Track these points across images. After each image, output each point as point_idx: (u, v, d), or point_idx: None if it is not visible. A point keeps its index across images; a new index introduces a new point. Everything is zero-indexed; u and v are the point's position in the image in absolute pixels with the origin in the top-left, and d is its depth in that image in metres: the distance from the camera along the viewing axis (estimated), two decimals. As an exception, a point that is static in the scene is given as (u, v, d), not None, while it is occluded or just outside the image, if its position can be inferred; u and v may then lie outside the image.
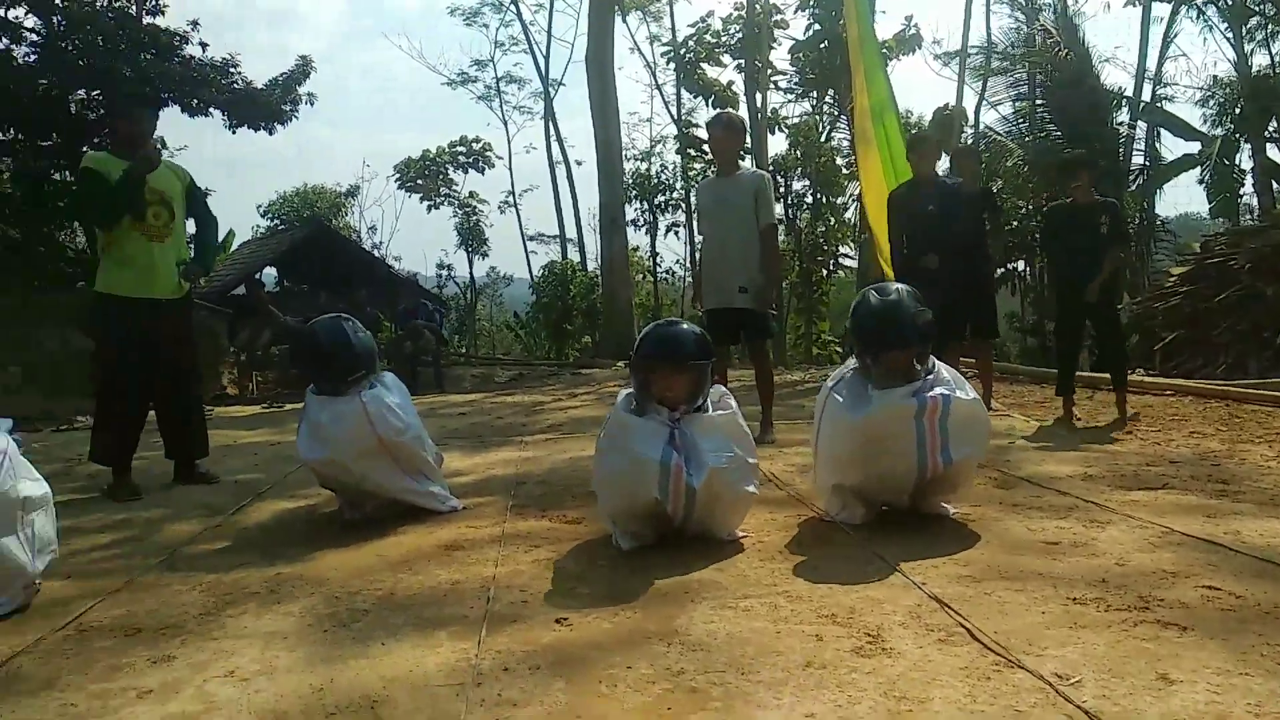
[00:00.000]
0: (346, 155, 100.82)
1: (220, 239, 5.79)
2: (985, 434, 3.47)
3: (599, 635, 2.42)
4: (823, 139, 22.44)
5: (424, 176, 31.02)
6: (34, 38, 10.97)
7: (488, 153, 31.21)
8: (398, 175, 30.90)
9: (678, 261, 29.61)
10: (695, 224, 5.75)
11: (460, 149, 30.94)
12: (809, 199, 24.00)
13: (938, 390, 3.23)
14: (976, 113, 20.67)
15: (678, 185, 26.74)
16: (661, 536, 3.19)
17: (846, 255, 24.21)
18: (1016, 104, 18.43)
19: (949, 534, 3.29)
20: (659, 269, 28.94)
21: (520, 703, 2.01)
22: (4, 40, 11.18)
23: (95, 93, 11.01)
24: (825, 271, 24.06)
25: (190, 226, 5.20)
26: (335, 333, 3.84)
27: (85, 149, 11.12)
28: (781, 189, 23.57)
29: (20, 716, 2.08)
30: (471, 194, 31.81)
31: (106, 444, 4.73)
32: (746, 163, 5.48)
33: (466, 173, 31.31)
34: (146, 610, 2.82)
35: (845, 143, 21.72)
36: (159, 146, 4.76)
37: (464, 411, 8.19)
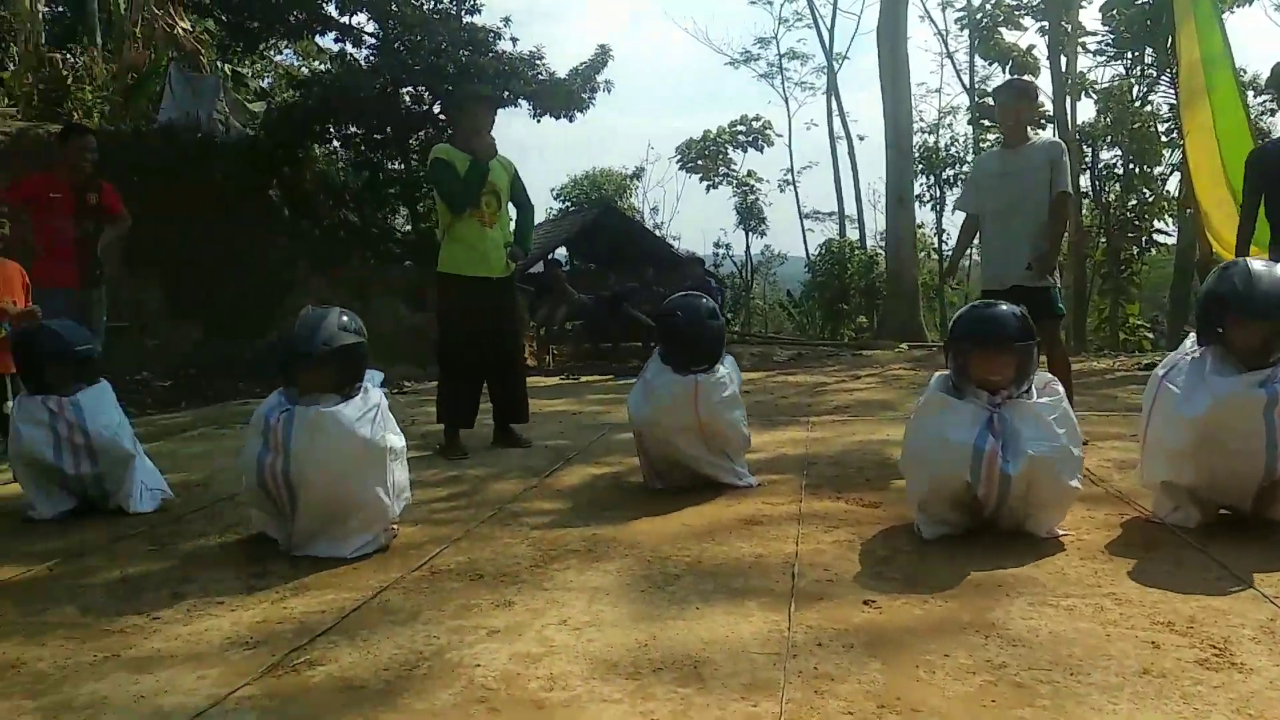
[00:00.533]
0: (631, 138, 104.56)
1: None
2: None
3: (910, 621, 2.41)
4: (1137, 104, 20.41)
5: (704, 156, 31.63)
6: (372, 41, 12.33)
7: (767, 131, 31.29)
8: (679, 156, 31.72)
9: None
10: (958, 198, 5.28)
11: (740, 128, 31.22)
12: (1119, 169, 21.97)
13: None
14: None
15: (968, 158, 25.42)
16: (968, 529, 3.11)
17: (1162, 231, 21.96)
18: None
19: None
20: (945, 246, 27.69)
21: (838, 678, 2.05)
22: (347, 45, 12.66)
23: (422, 88, 12.21)
24: (1136, 249, 21.96)
25: (513, 211, 5.66)
26: (694, 315, 4.04)
27: (414, 140, 12.39)
28: (1088, 160, 21.77)
29: (395, 642, 2.40)
30: (750, 173, 32.05)
31: (449, 407, 5.29)
32: (1046, 132, 4.97)
33: (745, 152, 31.59)
34: (485, 558, 3.14)
35: (1165, 106, 19.67)
36: (493, 138, 5.21)
37: (747, 390, 8.30)
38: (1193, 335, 3.18)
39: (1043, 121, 19.86)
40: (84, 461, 3.87)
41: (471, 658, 2.26)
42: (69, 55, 15.68)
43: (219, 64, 13.68)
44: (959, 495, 2.99)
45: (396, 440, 3.38)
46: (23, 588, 3.03)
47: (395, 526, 3.40)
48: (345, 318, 3.38)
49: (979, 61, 24.42)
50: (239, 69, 14.72)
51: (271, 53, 15.63)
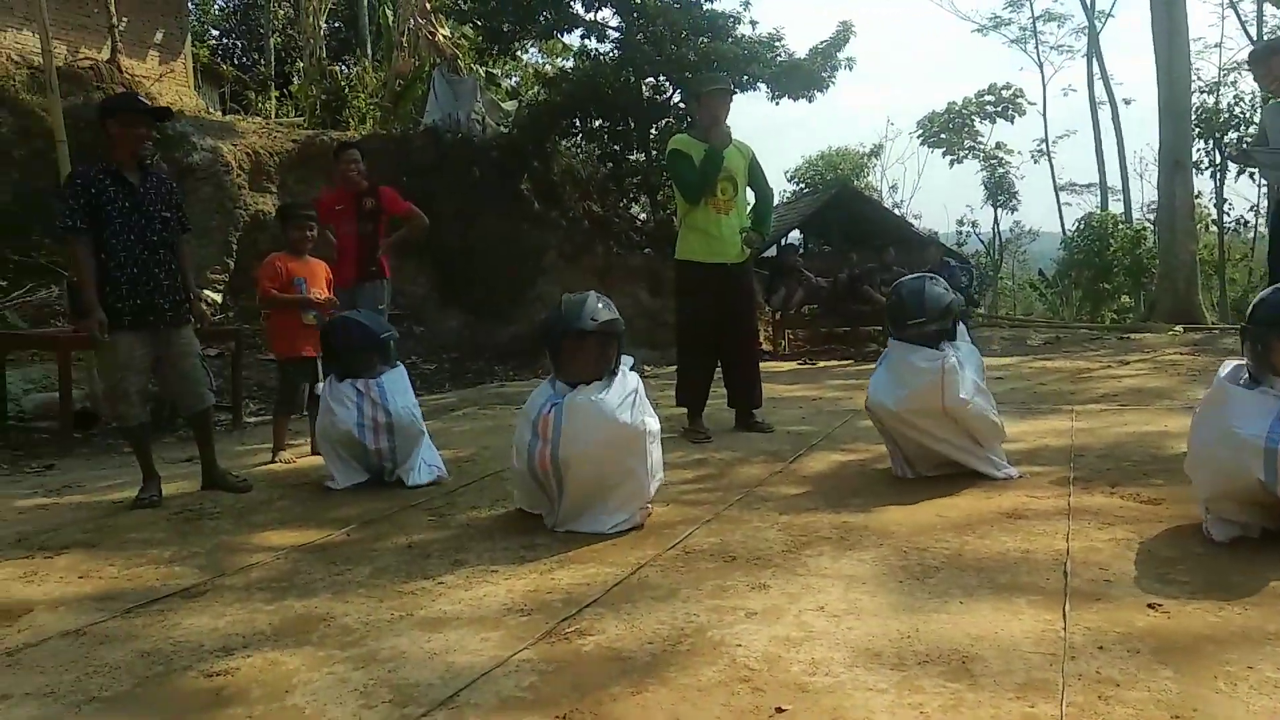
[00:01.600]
0: (870, 114, 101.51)
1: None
2: None
3: (1204, 627, 2.22)
4: None
5: (948, 130, 30.24)
6: (615, 34, 12.71)
7: (1019, 99, 29.46)
8: (920, 131, 30.50)
9: (1251, 209, 25.30)
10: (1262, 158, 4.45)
11: (988, 98, 29.59)
12: None
13: None
14: None
15: (1255, 119, 22.73)
16: (1266, 530, 2.80)
17: None
18: None
19: None
20: (1226, 218, 24.99)
21: (1123, 684, 1.93)
22: (592, 40, 13.13)
23: (662, 78, 12.45)
24: None
25: (750, 196, 5.67)
26: (914, 289, 3.99)
27: (654, 130, 12.66)
28: None
29: (657, 616, 2.49)
30: (999, 144, 30.34)
31: (686, 390, 5.41)
32: None
33: (994, 123, 29.96)
34: (737, 541, 3.19)
35: None
36: (728, 126, 5.25)
37: (1000, 376, 7.89)
38: None
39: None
40: (383, 437, 4.31)
41: (732, 637, 2.31)
42: (345, 67, 17.33)
43: (475, 66, 14.58)
44: (1253, 494, 2.70)
45: (653, 423, 3.50)
46: (326, 550, 3.40)
47: (649, 506, 3.52)
48: (601, 302, 3.53)
49: (1270, 9, 21.73)
50: (492, 70, 15.62)
51: (521, 52, 16.47)
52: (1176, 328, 12.87)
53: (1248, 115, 22.17)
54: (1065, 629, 2.24)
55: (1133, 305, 22.85)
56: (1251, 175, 24.93)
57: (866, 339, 12.30)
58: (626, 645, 2.31)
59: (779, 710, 1.90)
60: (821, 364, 10.22)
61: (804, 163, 32.99)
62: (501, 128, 13.28)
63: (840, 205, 20.93)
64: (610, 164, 13.20)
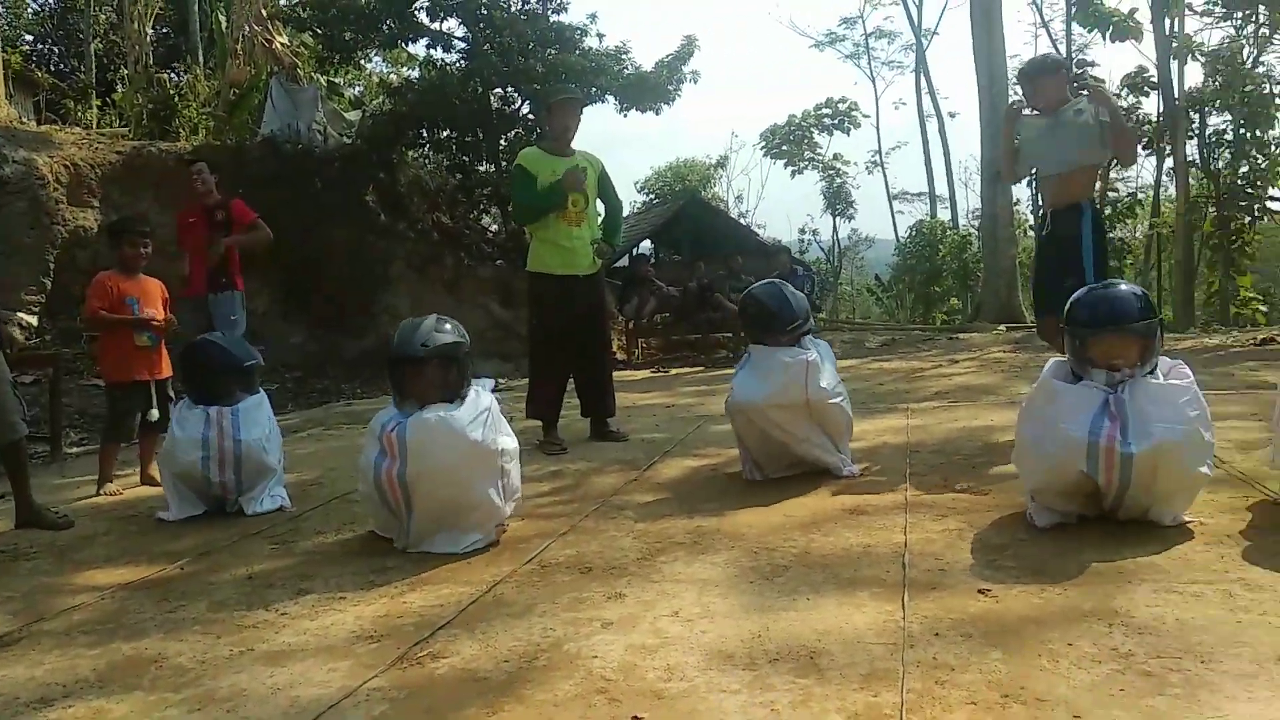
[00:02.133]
0: (715, 127, 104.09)
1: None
2: None
3: (1029, 609, 2.37)
4: (1248, 65, 19.42)
5: (789, 142, 31.30)
6: (462, 45, 12.55)
7: (854, 112, 30.80)
8: (763, 143, 31.45)
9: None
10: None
11: (825, 111, 30.80)
12: (1229, 136, 20.95)
13: None
14: None
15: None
16: (1083, 516, 3.02)
17: (1276, 199, 20.86)
18: None
19: None
20: (1042, 224, 26.88)
21: (958, 668, 2.03)
22: (438, 50, 12.93)
23: (511, 89, 12.37)
24: (1248, 219, 20.90)
25: (600, 208, 5.71)
26: (774, 293, 4.13)
27: (503, 141, 12.56)
28: (1195, 126, 20.83)
29: (513, 634, 2.47)
30: (836, 155, 31.62)
31: (539, 402, 5.38)
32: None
33: (831, 135, 31.19)
34: (593, 551, 3.19)
35: (1279, 67, 18.67)
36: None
37: (843, 378, 8.21)
38: None
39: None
40: (229, 470, 4.08)
41: (588, 649, 2.31)
42: (174, 75, 16.42)
43: (316, 75, 14.10)
44: (1077, 485, 2.90)
45: (509, 442, 3.46)
46: (157, 586, 3.20)
47: (505, 524, 3.48)
48: (446, 323, 3.46)
49: (1076, 30, 23.52)
50: (334, 79, 15.14)
51: (364, 61, 16.03)
52: (1000, 327, 13.75)
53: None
54: (904, 618, 2.35)
55: (961, 307, 24.24)
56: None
57: (717, 346, 12.59)
58: (482, 665, 2.27)
59: (636, 719, 1.91)
60: (674, 371, 10.38)
61: (653, 174, 33.53)
62: (344, 138, 12.89)
63: (689, 216, 21.38)
64: (459, 175, 13.02)
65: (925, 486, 3.80)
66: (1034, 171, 4.74)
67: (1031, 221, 26.10)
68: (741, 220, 28.53)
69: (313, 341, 11.16)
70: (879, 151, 33.32)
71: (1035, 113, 4.61)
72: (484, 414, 3.39)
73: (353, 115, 13.99)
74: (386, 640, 2.50)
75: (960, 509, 3.41)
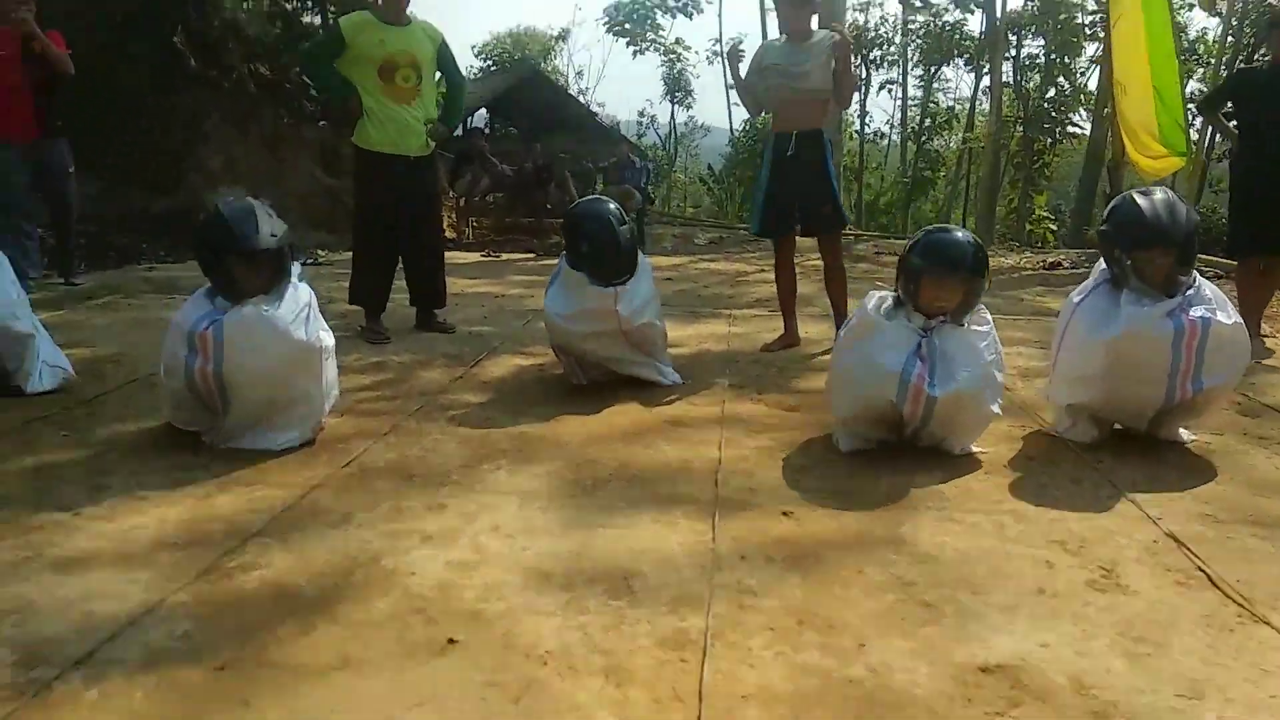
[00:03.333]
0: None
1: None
2: (1243, 361, 3.24)
3: (827, 533, 2.54)
4: (1067, -7, 20.45)
5: (632, 20, 30.62)
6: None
7: (699, -4, 30.32)
8: (607, 19, 30.63)
9: (887, 122, 28.36)
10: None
11: (672, -9, 30.18)
12: (1041, 60, 22.15)
13: (1196, 312, 3.05)
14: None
15: (895, 40, 25.22)
16: (883, 442, 3.23)
17: (1077, 125, 22.37)
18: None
19: (1187, 465, 3.18)
20: (867, 129, 27.78)
21: (760, 593, 2.17)
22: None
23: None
24: (1049, 140, 22.37)
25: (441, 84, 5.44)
26: (607, 234, 3.93)
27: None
28: (1013, 49, 21.85)
29: (329, 545, 2.43)
30: (678, 40, 31.26)
31: (363, 288, 5.19)
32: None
33: (675, 18, 30.71)
34: (415, 456, 3.16)
35: None
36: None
37: (670, 277, 8.36)
38: (1102, 262, 3.31)
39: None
40: None
41: (407, 565, 2.31)
42: None
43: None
44: (884, 415, 3.10)
45: (328, 339, 3.34)
46: (-70, 475, 2.94)
47: (323, 422, 3.38)
48: (270, 213, 3.25)
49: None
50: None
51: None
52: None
53: (890, 35, 24.45)
54: (714, 540, 2.47)
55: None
56: (890, 91, 27.68)
57: (551, 231, 12.46)
58: (295, 580, 2.24)
59: (451, 641, 1.94)
60: (505, 257, 10.22)
61: (492, 39, 32.10)
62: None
63: (528, 89, 20.72)
64: (280, 24, 12.02)
65: (742, 399, 3.96)
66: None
67: (856, 126, 26.92)
68: (581, 98, 27.92)
69: (108, 194, 10.21)
70: (720, 40, 33.11)
71: (783, 38, 4.89)
72: (304, 310, 3.25)
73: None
74: (193, 548, 2.40)
75: (773, 424, 3.58)
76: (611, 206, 4.04)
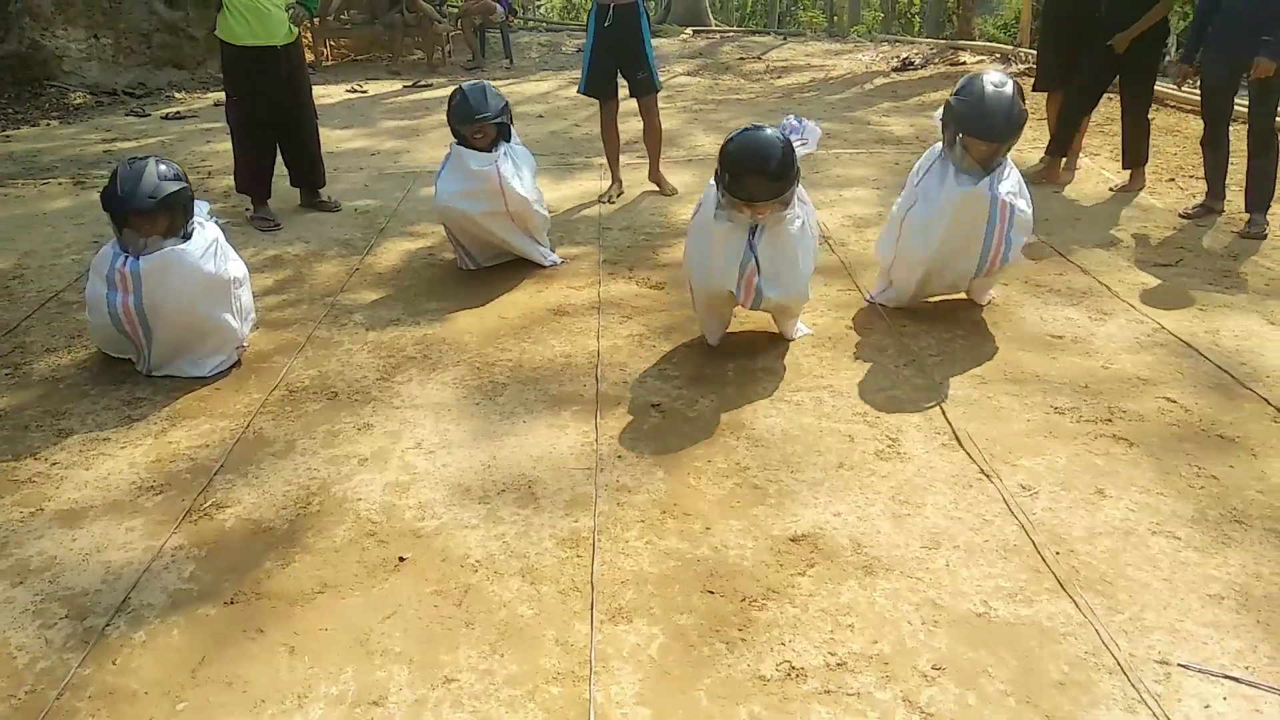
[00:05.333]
0: None
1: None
2: (1028, 236, 3.86)
3: (685, 425, 3.19)
4: None
5: None
6: None
7: None
8: None
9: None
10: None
11: None
12: None
13: (1006, 193, 3.61)
14: None
15: None
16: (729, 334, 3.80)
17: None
18: None
19: (972, 323, 3.91)
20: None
21: (633, 489, 2.84)
22: None
23: None
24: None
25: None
26: (478, 94, 4.36)
27: None
28: None
29: (283, 477, 2.97)
30: None
31: (247, 178, 5.40)
32: None
33: None
34: (334, 371, 3.65)
35: None
36: None
37: (540, 115, 8.55)
38: (939, 143, 3.83)
39: None
40: None
41: (353, 491, 2.88)
42: None
43: None
44: (726, 301, 3.64)
45: (238, 269, 3.71)
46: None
47: (245, 344, 3.81)
48: (163, 166, 3.53)
49: None
50: None
51: None
52: (687, 30, 14.25)
53: None
54: (597, 440, 3.10)
55: (654, 6, 24.18)
56: None
57: (411, 49, 12.19)
58: (264, 514, 2.78)
59: (401, 560, 2.56)
60: (372, 91, 10.09)
61: None
62: None
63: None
64: None
65: (615, 278, 4.51)
66: None
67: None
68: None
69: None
70: None
71: None
72: (213, 245, 3.61)
73: None
74: (169, 491, 2.91)
75: (643, 307, 4.16)
76: (486, 87, 4.45)
